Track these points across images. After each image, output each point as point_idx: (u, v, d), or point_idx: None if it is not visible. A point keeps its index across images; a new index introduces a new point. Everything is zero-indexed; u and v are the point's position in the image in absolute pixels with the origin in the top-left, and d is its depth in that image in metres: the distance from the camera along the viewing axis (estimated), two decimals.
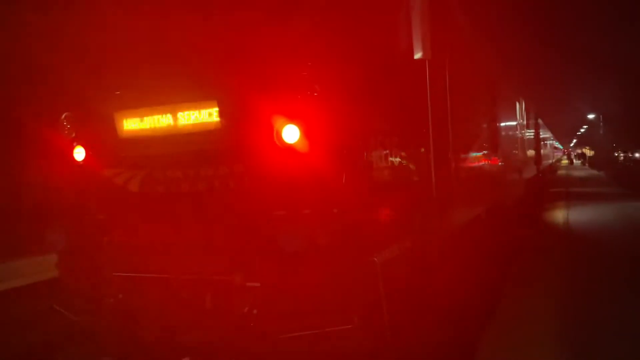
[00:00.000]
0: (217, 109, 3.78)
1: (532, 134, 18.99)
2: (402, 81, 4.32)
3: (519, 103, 13.40)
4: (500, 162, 8.95)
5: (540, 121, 24.00)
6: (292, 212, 3.53)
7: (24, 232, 7.12)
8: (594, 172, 45.34)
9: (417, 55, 4.28)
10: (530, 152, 17.32)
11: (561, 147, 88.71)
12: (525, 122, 15.12)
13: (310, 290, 3.48)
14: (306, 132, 3.50)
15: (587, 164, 64.62)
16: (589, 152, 77.91)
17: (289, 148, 3.53)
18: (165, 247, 3.89)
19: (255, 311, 3.56)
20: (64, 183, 4.52)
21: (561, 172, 48.28)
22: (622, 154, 38.18)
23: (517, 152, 12.37)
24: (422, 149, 4.59)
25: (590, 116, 62.91)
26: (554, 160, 43.22)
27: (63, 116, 4.44)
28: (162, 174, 3.97)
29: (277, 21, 3.61)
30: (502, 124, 9.71)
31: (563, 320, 5.59)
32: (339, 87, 3.62)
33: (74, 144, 4.42)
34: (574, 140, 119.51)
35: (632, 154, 34.75)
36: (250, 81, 3.62)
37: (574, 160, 78.89)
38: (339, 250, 3.48)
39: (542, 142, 25.00)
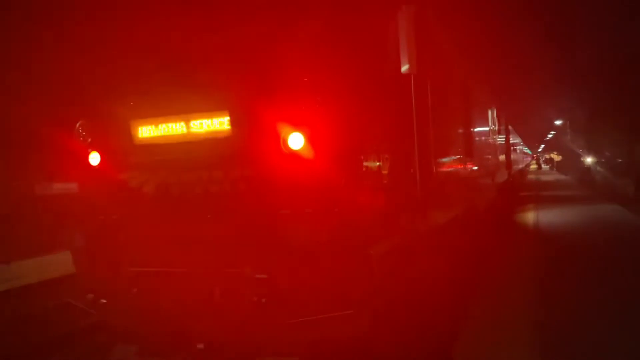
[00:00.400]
0: (228, 118, 4.17)
1: (503, 139, 19.72)
2: (391, 93, 4.79)
3: (491, 111, 14.05)
4: (475, 167, 9.51)
5: (510, 127, 24.86)
6: (296, 211, 3.93)
7: (38, 232, 7.40)
8: (562, 176, 46.85)
9: (404, 70, 4.74)
10: (502, 157, 18.03)
11: (530, 152, 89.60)
12: (496, 129, 15.81)
13: (314, 280, 3.89)
14: (309, 140, 3.93)
15: (555, 169, 65.69)
16: (556, 157, 78.21)
17: (294, 154, 3.94)
18: (179, 244, 4.25)
19: (263, 300, 3.95)
20: (81, 185, 4.84)
21: (531, 176, 49.65)
22: (589, 159, 39.47)
23: (490, 157, 13.00)
24: (409, 155, 5.05)
25: (558, 122, 63.46)
26: (523, 165, 44.40)
27: (78, 124, 4.76)
28: (176, 178, 4.33)
29: (282, 40, 4.03)
30: (477, 131, 10.28)
31: (535, 318, 6.05)
32: (338, 99, 4.05)
33: (90, 149, 4.75)
34: (542, 146, 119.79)
35: (599, 158, 35.93)
36: (259, 93, 4.02)
37: (542, 165, 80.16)
38: (339, 245, 3.90)
39: (512, 148, 25.88)
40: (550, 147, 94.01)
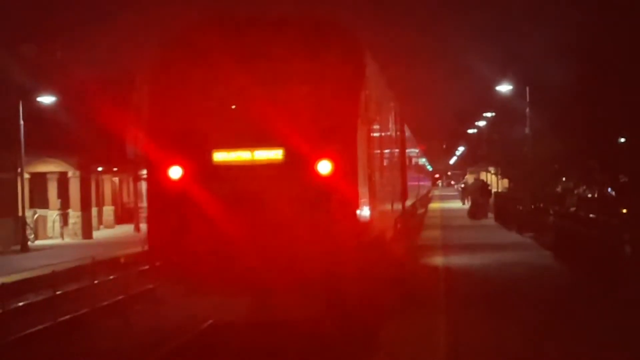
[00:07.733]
0: (282, 151, 9.15)
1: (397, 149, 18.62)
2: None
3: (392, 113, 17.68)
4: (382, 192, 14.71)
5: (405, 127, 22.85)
6: (323, 204, 9.00)
7: None
8: (518, 238, 26.33)
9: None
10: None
11: (431, 168, 69.09)
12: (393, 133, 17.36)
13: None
14: (333, 166, 9.04)
15: (488, 213, 37.86)
16: (497, 182, 49.52)
17: (323, 175, 9.01)
18: (242, 225, 9.08)
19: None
20: (166, 190, 9.54)
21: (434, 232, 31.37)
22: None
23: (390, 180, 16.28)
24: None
25: (503, 88, 37.02)
26: (415, 199, 30.52)
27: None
28: (245, 187, 9.20)
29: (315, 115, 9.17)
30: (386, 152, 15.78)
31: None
32: (344, 145, 9.22)
33: (173, 165, 9.47)
34: (457, 154, 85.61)
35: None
36: (301, 138, 9.01)
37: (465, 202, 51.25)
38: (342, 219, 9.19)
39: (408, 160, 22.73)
40: (474, 158, 63.40)
